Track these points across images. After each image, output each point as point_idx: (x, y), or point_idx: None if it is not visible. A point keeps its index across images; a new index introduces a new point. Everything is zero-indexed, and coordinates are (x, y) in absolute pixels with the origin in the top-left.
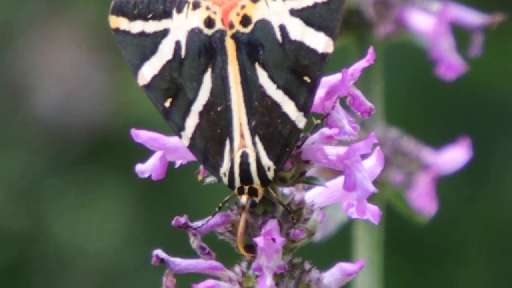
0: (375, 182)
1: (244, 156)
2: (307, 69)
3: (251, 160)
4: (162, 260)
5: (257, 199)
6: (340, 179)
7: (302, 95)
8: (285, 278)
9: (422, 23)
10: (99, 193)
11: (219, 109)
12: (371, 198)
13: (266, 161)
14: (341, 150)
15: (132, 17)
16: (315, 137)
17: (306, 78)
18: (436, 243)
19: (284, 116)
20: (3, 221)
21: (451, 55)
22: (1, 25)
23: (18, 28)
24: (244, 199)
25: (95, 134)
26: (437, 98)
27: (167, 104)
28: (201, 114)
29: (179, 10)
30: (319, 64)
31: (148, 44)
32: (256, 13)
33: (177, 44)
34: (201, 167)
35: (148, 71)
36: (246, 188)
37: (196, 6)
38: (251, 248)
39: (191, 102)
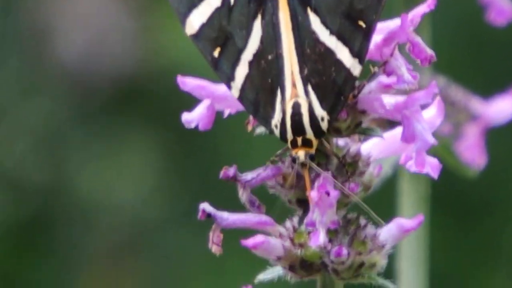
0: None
1: (296, 106)
2: (362, 13)
3: (304, 110)
4: (209, 215)
5: (311, 151)
6: (398, 130)
7: (357, 41)
8: (339, 234)
9: None
10: (125, 144)
11: (269, 57)
12: None
13: (320, 111)
14: (400, 99)
15: None
16: (372, 85)
17: (361, 23)
18: (484, 199)
19: (338, 63)
20: (26, 172)
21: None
22: None
23: None
24: (301, 154)
25: (122, 82)
26: (486, 45)
27: (216, 53)
28: (251, 63)
29: None
30: (375, 7)
31: None
32: None
33: None
34: (251, 117)
35: (196, 19)
36: (299, 140)
37: None
38: (303, 202)
39: (240, 51)
